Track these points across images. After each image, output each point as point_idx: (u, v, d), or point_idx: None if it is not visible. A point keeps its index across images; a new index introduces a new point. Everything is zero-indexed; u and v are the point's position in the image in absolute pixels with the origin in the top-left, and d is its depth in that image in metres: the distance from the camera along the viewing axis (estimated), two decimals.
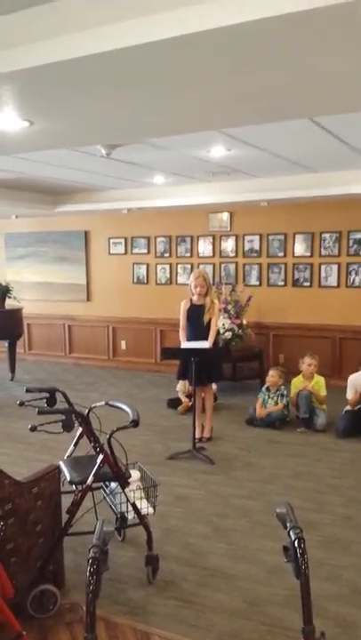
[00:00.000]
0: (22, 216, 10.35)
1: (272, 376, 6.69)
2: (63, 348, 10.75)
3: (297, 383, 6.65)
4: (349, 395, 6.34)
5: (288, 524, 2.23)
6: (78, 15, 2.43)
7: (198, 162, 6.29)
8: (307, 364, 6.64)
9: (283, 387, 6.70)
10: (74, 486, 3.44)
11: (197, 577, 3.52)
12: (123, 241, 10.03)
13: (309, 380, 6.60)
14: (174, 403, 7.36)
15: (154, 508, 3.63)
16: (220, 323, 7.48)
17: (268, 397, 6.68)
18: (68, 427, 3.47)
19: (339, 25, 2.18)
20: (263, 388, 6.78)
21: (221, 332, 7.76)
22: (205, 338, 5.97)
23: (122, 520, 3.69)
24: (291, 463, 5.44)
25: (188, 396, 6.99)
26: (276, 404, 6.60)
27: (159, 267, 9.75)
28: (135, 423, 3.28)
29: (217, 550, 3.84)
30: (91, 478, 3.34)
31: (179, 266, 9.58)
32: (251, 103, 3.29)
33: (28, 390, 3.78)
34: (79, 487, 3.39)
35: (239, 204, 8.58)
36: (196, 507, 4.52)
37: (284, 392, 6.68)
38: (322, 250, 8.48)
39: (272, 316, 8.79)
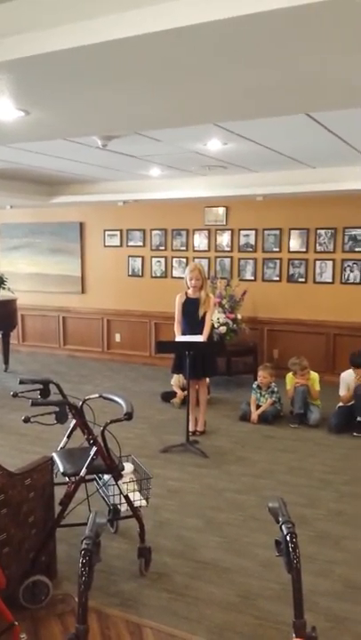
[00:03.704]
0: (17, 206, 10.30)
1: (264, 377, 6.68)
2: (57, 340, 10.73)
3: (291, 379, 6.66)
4: (342, 392, 6.37)
5: (280, 519, 2.23)
6: (74, 5, 2.41)
7: (195, 155, 6.27)
8: (299, 375, 6.58)
9: (273, 384, 6.72)
10: (67, 478, 3.44)
11: (190, 570, 3.53)
12: (118, 233, 10.00)
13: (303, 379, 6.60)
14: (168, 396, 7.37)
15: (147, 500, 3.63)
16: (214, 317, 7.47)
17: (261, 396, 6.69)
18: (61, 418, 3.47)
19: (334, 21, 2.17)
20: (254, 386, 6.78)
21: (216, 326, 7.76)
22: (200, 332, 5.97)
23: (115, 512, 3.70)
24: (284, 458, 5.46)
25: (183, 389, 6.99)
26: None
27: (154, 260, 9.74)
28: (129, 416, 3.28)
29: (210, 543, 3.85)
30: (84, 470, 3.33)
31: (174, 259, 9.56)
32: (247, 98, 3.28)
33: (21, 382, 3.77)
34: (72, 479, 3.38)
35: (235, 199, 8.57)
36: (189, 500, 4.52)
37: (275, 389, 6.70)
38: (317, 246, 8.48)
39: (267, 311, 8.80)
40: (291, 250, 8.67)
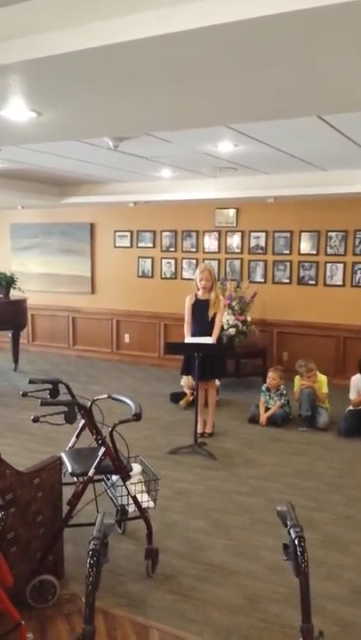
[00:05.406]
0: (28, 207, 10.34)
1: (273, 379, 6.67)
2: (67, 340, 10.76)
3: (298, 381, 6.65)
4: (352, 395, 6.34)
5: (288, 523, 2.23)
6: (87, 6, 2.42)
7: (205, 157, 6.27)
8: (306, 377, 6.59)
9: (282, 386, 6.70)
10: (75, 478, 3.44)
11: (197, 572, 3.52)
12: (128, 234, 10.01)
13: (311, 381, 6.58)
14: (177, 397, 7.36)
15: (154, 501, 3.63)
16: (224, 319, 7.46)
17: (270, 398, 6.67)
18: (70, 419, 3.47)
19: (347, 23, 2.16)
20: (264, 388, 6.77)
21: (225, 328, 7.75)
22: (210, 333, 5.96)
23: (122, 513, 3.70)
24: (292, 461, 5.44)
25: (193, 390, 6.98)
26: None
27: (164, 261, 9.74)
28: (138, 417, 3.28)
29: (217, 546, 3.84)
30: (92, 470, 3.34)
31: (184, 260, 9.57)
32: (259, 100, 3.27)
33: (31, 381, 3.78)
34: (80, 479, 3.39)
35: (246, 201, 8.56)
36: (196, 502, 4.52)
37: (284, 392, 6.68)
38: (328, 248, 8.45)
39: (276, 313, 8.77)
40: (301, 252, 8.65)
